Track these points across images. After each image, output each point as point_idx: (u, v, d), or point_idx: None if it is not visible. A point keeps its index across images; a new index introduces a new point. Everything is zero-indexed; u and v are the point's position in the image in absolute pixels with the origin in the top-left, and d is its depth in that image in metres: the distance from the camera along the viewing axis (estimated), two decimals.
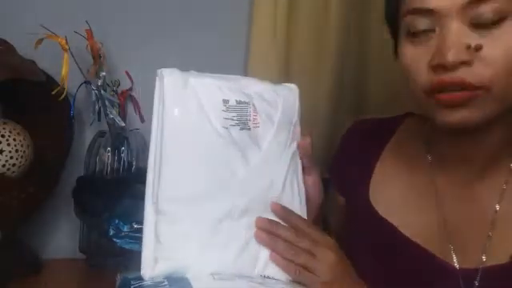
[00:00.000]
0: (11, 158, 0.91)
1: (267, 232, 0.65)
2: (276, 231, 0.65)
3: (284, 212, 0.67)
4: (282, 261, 0.65)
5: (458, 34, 0.57)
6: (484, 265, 0.66)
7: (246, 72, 1.14)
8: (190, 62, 1.15)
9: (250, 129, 0.67)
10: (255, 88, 0.70)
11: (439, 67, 0.58)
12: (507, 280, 0.65)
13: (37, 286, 0.96)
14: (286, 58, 1.12)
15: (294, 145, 0.70)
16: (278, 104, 0.70)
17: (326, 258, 0.64)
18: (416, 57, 0.61)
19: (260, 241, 0.65)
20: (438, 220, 0.70)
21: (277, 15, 1.10)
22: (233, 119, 0.66)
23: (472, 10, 0.56)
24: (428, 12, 0.58)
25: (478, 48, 0.56)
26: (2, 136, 0.91)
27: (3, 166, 0.91)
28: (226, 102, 0.66)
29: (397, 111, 0.85)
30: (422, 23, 0.59)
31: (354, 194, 0.79)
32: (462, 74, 0.57)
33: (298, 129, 0.71)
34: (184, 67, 1.18)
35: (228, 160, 0.65)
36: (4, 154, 0.91)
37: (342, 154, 0.85)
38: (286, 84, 0.74)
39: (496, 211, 0.67)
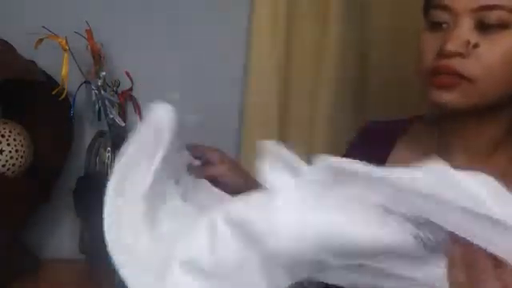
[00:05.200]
0: (11, 157, 0.91)
1: None
2: None
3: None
4: None
5: (463, 30, 0.66)
6: None
7: (246, 73, 1.14)
8: (190, 63, 1.16)
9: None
10: None
11: (440, 54, 0.68)
12: None
13: (37, 286, 0.96)
14: (286, 58, 1.12)
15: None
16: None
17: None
18: (429, 43, 0.71)
19: None
20: None
21: (277, 15, 1.10)
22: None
23: (480, 14, 0.66)
24: (446, 8, 0.68)
25: (475, 46, 0.66)
26: (2, 136, 0.91)
27: (3, 166, 0.91)
28: None
29: (397, 110, 0.87)
30: (440, 16, 0.69)
31: None
32: (455, 63, 0.67)
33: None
34: (184, 68, 1.18)
35: None
36: (4, 154, 0.91)
37: (355, 148, 0.89)
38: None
39: None
